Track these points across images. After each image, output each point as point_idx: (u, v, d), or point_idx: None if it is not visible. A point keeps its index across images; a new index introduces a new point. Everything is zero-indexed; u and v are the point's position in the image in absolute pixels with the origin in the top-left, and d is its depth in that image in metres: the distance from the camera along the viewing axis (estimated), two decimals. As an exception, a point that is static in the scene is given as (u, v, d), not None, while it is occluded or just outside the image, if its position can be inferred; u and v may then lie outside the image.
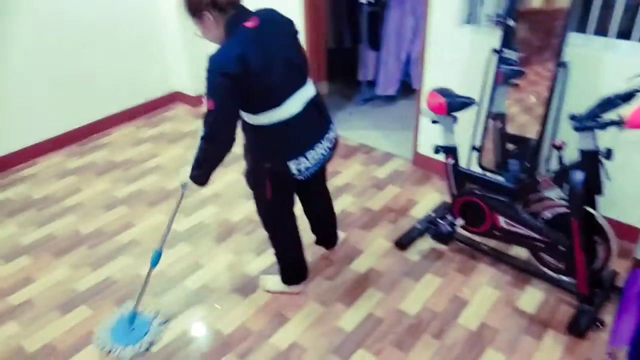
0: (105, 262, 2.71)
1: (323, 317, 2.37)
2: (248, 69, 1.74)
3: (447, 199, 3.07)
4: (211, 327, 2.32)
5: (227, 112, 1.82)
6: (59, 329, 2.32)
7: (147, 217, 3.05)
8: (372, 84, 4.38)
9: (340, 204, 3.13)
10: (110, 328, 2.26)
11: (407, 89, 4.40)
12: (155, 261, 2.23)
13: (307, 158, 2.00)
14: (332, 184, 3.32)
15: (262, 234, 2.78)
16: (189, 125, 4.10)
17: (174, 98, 4.46)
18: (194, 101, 4.35)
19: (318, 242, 2.70)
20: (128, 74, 4.04)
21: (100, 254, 2.76)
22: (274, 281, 2.48)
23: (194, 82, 4.25)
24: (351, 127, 4.02)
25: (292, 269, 2.43)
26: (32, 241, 2.87)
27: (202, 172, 1.98)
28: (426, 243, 2.79)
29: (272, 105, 1.87)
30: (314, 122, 2.03)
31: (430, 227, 2.76)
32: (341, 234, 2.77)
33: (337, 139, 2.17)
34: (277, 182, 2.07)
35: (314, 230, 2.64)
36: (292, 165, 1.98)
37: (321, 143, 2.04)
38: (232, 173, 3.41)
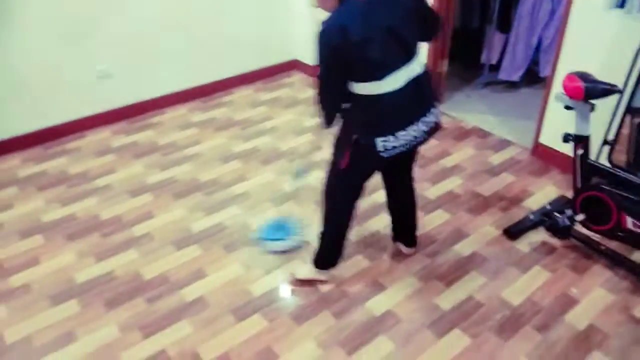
0: (218, 209, 2.87)
1: (420, 292, 2.35)
2: (348, 40, 1.72)
3: (566, 194, 2.89)
4: (314, 282, 2.38)
5: (329, 80, 1.87)
6: (173, 262, 2.52)
7: (259, 173, 3.18)
8: (495, 67, 4.18)
9: (449, 185, 3.05)
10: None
11: (532, 76, 4.15)
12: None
13: (396, 137, 1.91)
14: (441, 164, 3.24)
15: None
16: (304, 93, 4.18)
17: (293, 66, 4.57)
18: (311, 70, 4.43)
19: (395, 239, 2.56)
20: (254, 39, 4.20)
21: (214, 202, 2.93)
22: (305, 267, 2.41)
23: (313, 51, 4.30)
24: (467, 109, 3.88)
25: (329, 252, 2.34)
26: (155, 182, 3.12)
27: (322, 119, 2.04)
28: (538, 236, 2.64)
29: (373, 78, 1.82)
30: (413, 102, 1.93)
31: (546, 219, 2.61)
32: (412, 250, 2.56)
33: (437, 124, 2.04)
34: (357, 156, 1.98)
35: (394, 225, 2.51)
36: (379, 142, 1.90)
37: (416, 125, 1.93)
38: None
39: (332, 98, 1.94)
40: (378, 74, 1.82)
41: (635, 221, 2.24)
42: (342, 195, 2.19)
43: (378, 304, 2.28)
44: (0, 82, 3.18)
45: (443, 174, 3.15)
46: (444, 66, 3.81)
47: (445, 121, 3.73)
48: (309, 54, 4.36)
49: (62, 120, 3.52)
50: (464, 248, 2.59)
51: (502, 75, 4.09)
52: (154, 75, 3.81)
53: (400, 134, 1.91)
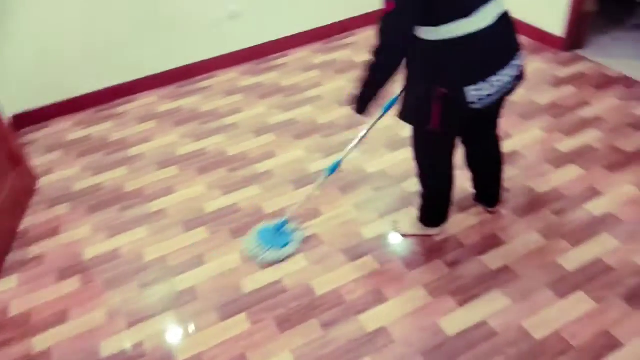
0: (336, 151, 2.91)
1: (542, 250, 2.22)
2: None
3: None
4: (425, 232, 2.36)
5: (407, 15, 1.56)
6: (291, 200, 2.63)
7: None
8: (653, 6, 3.64)
9: (585, 138, 2.79)
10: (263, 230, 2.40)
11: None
12: (332, 169, 2.28)
13: (489, 83, 1.69)
14: (578, 115, 2.96)
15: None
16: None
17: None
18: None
19: (477, 199, 2.39)
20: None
21: (333, 144, 2.97)
22: (410, 223, 2.31)
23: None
24: (612, 54, 3.45)
25: (436, 210, 2.23)
26: (277, 122, 3.23)
27: (363, 96, 1.80)
28: (688, 200, 2.35)
29: (460, 14, 1.58)
30: (504, 43, 1.72)
31: (700, 182, 2.30)
32: (496, 208, 2.37)
33: (523, 70, 1.82)
34: (446, 112, 1.74)
35: (475, 183, 2.32)
36: (471, 91, 1.68)
37: (508, 68, 1.72)
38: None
39: (404, 37, 1.60)
40: (464, 9, 1.58)
41: None
42: (439, 157, 2.02)
43: (494, 257, 2.21)
44: (135, 22, 3.41)
45: (580, 125, 2.88)
46: (592, 4, 3.39)
47: (586, 67, 3.37)
48: None
49: (195, 60, 3.73)
50: (596, 207, 2.38)
51: (662, 15, 3.55)
52: (278, 16, 3.86)
53: (493, 79, 1.69)
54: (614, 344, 1.84)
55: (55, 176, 3.00)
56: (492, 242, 2.28)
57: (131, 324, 2.12)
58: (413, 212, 2.38)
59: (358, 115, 1.91)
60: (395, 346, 1.92)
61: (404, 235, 2.35)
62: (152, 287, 2.27)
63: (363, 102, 1.83)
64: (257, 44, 3.88)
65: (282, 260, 2.29)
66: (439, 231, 2.32)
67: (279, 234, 2.36)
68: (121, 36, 3.41)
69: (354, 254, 2.30)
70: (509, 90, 1.81)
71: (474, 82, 1.68)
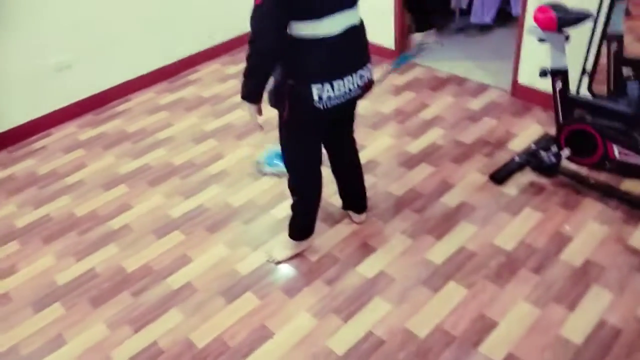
0: (196, 191, 2.77)
1: (411, 249, 2.29)
2: None
3: (550, 131, 2.82)
4: (298, 255, 2.31)
5: (272, 7, 1.67)
6: (155, 252, 2.43)
7: (235, 149, 3.07)
8: (466, 12, 4.05)
9: (430, 137, 2.97)
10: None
11: (505, 17, 4.03)
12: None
13: (332, 86, 1.82)
14: (420, 117, 3.16)
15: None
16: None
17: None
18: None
19: (345, 207, 2.46)
20: (213, 10, 4.01)
21: (193, 184, 2.83)
22: (281, 247, 2.32)
23: None
24: (442, 57, 3.77)
25: (304, 219, 2.25)
26: (129, 171, 3.00)
27: (249, 86, 1.86)
28: (525, 177, 2.58)
29: (312, 15, 1.71)
30: (351, 52, 1.85)
31: (532, 159, 2.55)
32: (363, 216, 2.45)
33: (370, 82, 1.95)
34: (296, 105, 1.87)
35: (340, 191, 2.41)
36: (315, 90, 1.80)
37: (352, 77, 1.86)
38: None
39: (274, 28, 1.71)
40: (316, 12, 1.70)
41: (621, 149, 2.18)
42: (297, 154, 2.08)
43: (370, 266, 2.23)
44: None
45: (423, 127, 3.07)
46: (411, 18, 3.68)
47: (419, 72, 3.63)
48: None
49: (21, 121, 3.37)
50: (451, 199, 2.52)
51: (474, 19, 3.97)
52: (114, 61, 3.64)
53: (337, 83, 1.82)
54: (490, 324, 1.94)
55: None
56: (365, 250, 2.30)
57: (137, 329, 2.07)
58: (284, 237, 2.32)
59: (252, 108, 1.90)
60: (288, 381, 1.83)
61: (278, 262, 2.29)
62: (145, 293, 2.21)
63: (252, 92, 1.87)
64: (93, 93, 3.62)
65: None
66: (308, 244, 2.32)
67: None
68: None
69: (232, 294, 2.18)
70: (354, 97, 1.92)
71: (318, 81, 1.80)
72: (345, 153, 2.27)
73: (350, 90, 1.87)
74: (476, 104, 3.22)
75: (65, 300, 2.25)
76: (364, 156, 2.80)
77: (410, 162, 2.80)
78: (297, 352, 1.92)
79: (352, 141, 2.26)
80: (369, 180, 2.63)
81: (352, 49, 1.86)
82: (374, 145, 2.94)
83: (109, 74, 3.66)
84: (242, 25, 4.23)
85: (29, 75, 3.27)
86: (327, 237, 2.39)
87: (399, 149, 2.91)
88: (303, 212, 2.23)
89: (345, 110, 2.04)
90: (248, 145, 3.09)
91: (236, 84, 3.77)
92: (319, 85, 1.80)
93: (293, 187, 2.17)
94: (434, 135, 2.98)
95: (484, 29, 4.08)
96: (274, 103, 1.96)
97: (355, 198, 2.42)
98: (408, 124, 3.11)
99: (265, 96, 1.91)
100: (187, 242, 2.46)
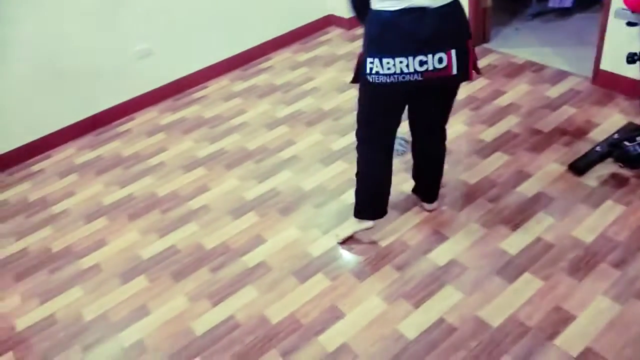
0: (269, 175, 2.86)
1: (485, 238, 2.26)
2: None
3: (635, 120, 2.68)
4: (368, 239, 2.34)
5: None
6: (231, 231, 2.54)
7: (306, 136, 3.13)
8: (544, -5, 3.89)
9: (505, 125, 2.90)
10: None
11: (585, 0, 3.83)
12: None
13: (381, 63, 1.80)
14: (495, 104, 3.08)
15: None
16: (343, 48, 4.06)
17: (329, 21, 4.43)
18: (347, 23, 4.29)
19: (414, 191, 2.45)
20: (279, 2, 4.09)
21: (267, 168, 2.92)
22: (346, 224, 2.35)
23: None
24: (517, 44, 3.65)
25: (361, 196, 2.24)
26: (206, 155, 3.14)
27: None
28: (607, 168, 2.47)
29: None
30: (409, 34, 1.76)
31: (614, 150, 2.43)
32: (434, 205, 2.42)
33: (444, 75, 1.82)
34: (359, 76, 1.95)
35: (414, 174, 2.39)
36: (368, 62, 1.84)
37: (406, 59, 1.77)
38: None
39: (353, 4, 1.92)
40: None
41: None
42: (364, 127, 2.12)
43: (441, 254, 2.22)
44: (38, 77, 3.24)
45: (498, 114, 2.99)
46: (489, 1, 3.58)
47: (494, 58, 3.53)
48: (343, 7, 4.22)
49: (109, 105, 3.59)
50: (527, 189, 2.46)
51: (553, 2, 3.80)
52: (190, 49, 3.80)
53: (386, 61, 1.80)
54: (567, 317, 1.89)
55: (80, 196, 2.88)
56: (436, 238, 2.30)
57: (215, 303, 2.12)
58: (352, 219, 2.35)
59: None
60: (359, 361, 1.88)
61: (341, 242, 2.34)
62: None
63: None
64: (173, 79, 3.80)
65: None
66: (372, 224, 2.30)
67: None
68: (25, 92, 3.22)
69: (304, 274, 2.25)
70: (415, 82, 1.82)
71: (372, 55, 1.83)
72: (427, 143, 2.24)
73: (402, 72, 1.80)
74: (555, 91, 3.10)
75: (150, 273, 2.40)
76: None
77: (484, 150, 2.75)
78: (367, 333, 1.96)
79: (437, 133, 2.21)
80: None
81: (413, 30, 1.75)
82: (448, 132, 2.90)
83: (187, 61, 3.82)
84: (310, 13, 4.29)
85: (115, 63, 3.48)
86: (397, 223, 2.40)
87: (472, 136, 2.86)
88: (360, 188, 2.24)
89: (415, 95, 1.99)
90: (318, 132, 3.14)
91: (306, 71, 3.83)
92: (372, 59, 1.83)
93: (358, 155, 2.21)
94: (510, 123, 2.91)
95: (563, 13, 3.90)
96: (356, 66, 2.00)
97: (426, 187, 2.41)
98: (482, 111, 3.05)
99: None
100: (261, 224, 2.55)
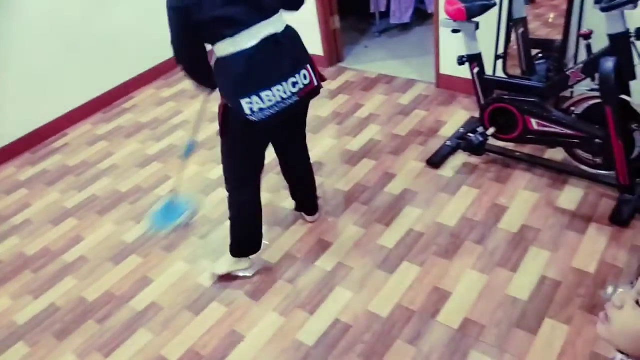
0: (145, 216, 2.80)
1: (364, 238, 2.42)
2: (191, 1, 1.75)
3: (475, 114, 3.05)
4: (259, 259, 2.38)
5: (179, 40, 1.86)
6: (114, 278, 2.43)
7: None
8: (385, 14, 4.28)
9: (368, 134, 3.13)
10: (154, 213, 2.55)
11: (421, 15, 4.29)
12: (188, 151, 2.39)
13: (261, 98, 1.83)
14: (357, 116, 3.31)
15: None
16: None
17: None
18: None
19: (297, 209, 2.55)
20: (142, 35, 4.03)
21: (145, 207, 2.84)
22: (222, 261, 2.32)
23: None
24: (369, 59, 3.97)
25: (243, 238, 2.25)
26: (76, 204, 2.97)
27: (196, 83, 2.04)
28: (458, 159, 2.78)
29: (225, 35, 1.79)
30: (275, 61, 1.85)
31: (462, 142, 2.75)
32: (316, 216, 2.54)
33: (311, 89, 1.95)
34: (231, 122, 1.94)
35: (292, 194, 2.51)
36: (244, 103, 1.83)
37: (281, 85, 1.85)
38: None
39: (187, 56, 1.91)
40: (228, 32, 1.78)
41: (538, 121, 2.40)
42: (234, 172, 2.12)
43: (328, 259, 2.33)
44: None
45: (361, 125, 3.22)
46: (336, 22, 3.85)
47: (350, 75, 3.80)
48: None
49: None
50: (394, 188, 2.68)
51: (394, 20, 4.21)
52: (46, 97, 3.59)
53: (265, 94, 1.83)
54: (444, 295, 2.08)
55: None
56: (321, 246, 2.41)
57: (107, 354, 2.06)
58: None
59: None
60: (264, 378, 1.90)
61: (217, 276, 2.31)
62: (110, 319, 2.22)
63: (200, 87, 2.06)
64: (28, 132, 3.55)
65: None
66: (249, 264, 2.29)
67: (170, 211, 2.46)
68: None
69: (198, 307, 2.23)
70: (293, 105, 1.92)
71: (247, 95, 1.83)
72: (296, 156, 2.36)
73: (283, 98, 1.87)
74: (406, 98, 3.42)
75: (28, 339, 2.21)
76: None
77: (352, 159, 2.94)
78: (269, 350, 1.99)
79: (303, 145, 2.35)
80: (316, 180, 2.76)
81: (276, 57, 1.85)
82: (317, 148, 3.07)
83: (43, 110, 3.60)
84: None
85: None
86: (284, 239, 2.48)
87: (341, 148, 3.05)
88: (239, 228, 2.22)
89: (289, 118, 2.03)
90: (194, 164, 3.13)
91: (174, 106, 3.81)
92: (247, 99, 1.82)
93: (230, 202, 2.20)
94: (372, 132, 3.14)
95: (403, 28, 4.33)
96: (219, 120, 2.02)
97: (307, 200, 2.52)
98: (346, 124, 3.26)
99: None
100: (146, 264, 2.48)
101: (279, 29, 1.87)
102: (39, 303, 2.38)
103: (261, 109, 1.85)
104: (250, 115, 1.85)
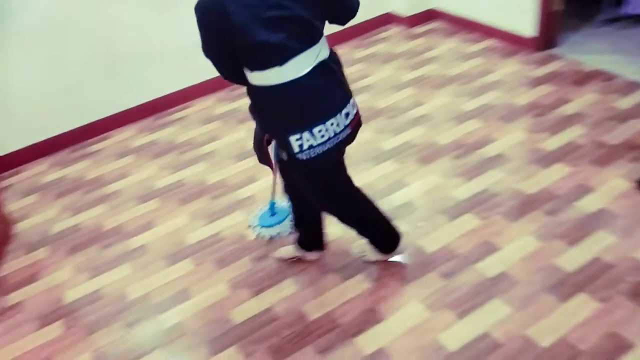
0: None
1: (538, 253, 2.15)
2: (229, 21, 1.47)
3: None
4: (413, 243, 2.28)
5: (212, 56, 1.63)
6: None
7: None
8: (619, 2, 3.66)
9: (569, 135, 2.75)
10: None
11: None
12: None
13: (312, 134, 1.60)
14: (558, 112, 2.93)
15: (470, 160, 2.62)
16: (402, 46, 3.98)
17: (388, 19, 4.35)
18: (407, 22, 4.20)
19: (300, 242, 2.23)
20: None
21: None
22: (373, 251, 2.17)
23: (408, 2, 4.10)
24: (587, 50, 3.46)
25: (381, 230, 2.09)
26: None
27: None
28: (679, 188, 2.30)
29: (272, 63, 1.53)
30: (328, 91, 1.63)
31: (689, 169, 2.26)
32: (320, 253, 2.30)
33: (358, 118, 1.74)
34: (282, 159, 1.73)
35: (298, 224, 2.18)
36: (294, 141, 1.61)
37: (335, 118, 1.63)
38: (442, 96, 3.24)
39: (222, 69, 1.68)
40: (276, 58, 1.53)
41: None
42: (346, 186, 1.93)
43: (491, 265, 2.13)
44: (99, 58, 3.32)
45: (562, 123, 2.85)
46: (559, 3, 3.40)
47: (561, 65, 3.36)
48: (404, 5, 4.14)
49: (166, 92, 3.64)
50: (589, 204, 2.32)
51: (628, 9, 3.58)
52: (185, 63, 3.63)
53: (317, 129, 1.60)
54: (624, 345, 1.76)
55: (32, 220, 2.87)
56: (487, 248, 2.20)
57: (255, 294, 2.11)
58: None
59: None
60: (395, 368, 1.83)
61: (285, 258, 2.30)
62: (137, 326, 2.15)
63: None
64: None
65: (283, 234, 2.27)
66: (318, 255, 2.26)
67: (273, 216, 2.30)
68: (86, 76, 3.32)
69: (346, 273, 2.21)
70: (343, 141, 1.70)
71: (297, 131, 1.61)
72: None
73: (336, 133, 1.65)
74: (625, 102, 2.92)
75: (195, 258, 2.42)
76: (493, 149, 2.71)
77: (544, 160, 2.62)
78: (405, 340, 1.90)
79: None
80: (495, 175, 2.55)
81: (330, 85, 1.63)
82: (504, 138, 2.80)
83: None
84: (370, 10, 4.21)
85: (176, 50, 3.52)
86: (446, 229, 2.32)
87: (532, 144, 2.73)
88: (381, 224, 2.06)
89: (336, 158, 1.81)
90: (369, 130, 3.07)
91: (363, 67, 3.78)
92: (298, 135, 1.61)
93: (347, 220, 2.01)
94: (573, 134, 2.76)
95: (637, 21, 3.67)
96: (260, 159, 1.87)
97: (320, 237, 2.22)
98: (544, 119, 2.91)
99: None
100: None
101: (326, 54, 1.63)
102: (209, 229, 2.58)
103: (311, 146, 1.63)
104: (299, 153, 1.64)
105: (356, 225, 2.04)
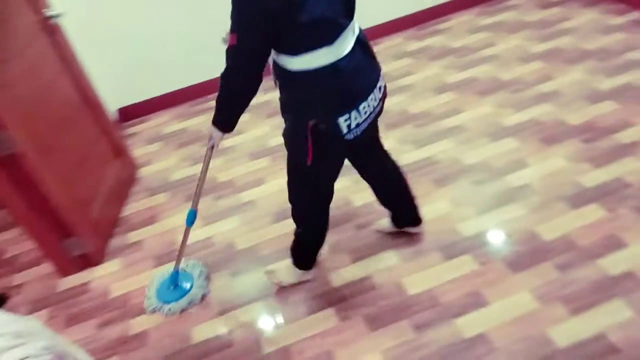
0: (527, 105, 2.82)
1: (676, 253, 1.92)
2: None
3: None
4: (527, 229, 2.14)
5: (254, 52, 1.45)
6: (490, 151, 2.58)
7: (476, 107, 2.93)
8: None
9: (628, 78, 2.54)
10: (155, 288, 2.26)
11: None
12: (190, 220, 2.08)
13: (359, 111, 1.56)
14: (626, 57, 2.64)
15: (602, 145, 2.40)
16: (533, 15, 3.67)
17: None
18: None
19: (394, 220, 2.19)
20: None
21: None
22: (286, 271, 2.15)
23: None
24: None
25: (309, 251, 2.09)
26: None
27: (223, 117, 1.65)
28: None
29: (322, 42, 1.44)
30: (367, 67, 1.58)
31: None
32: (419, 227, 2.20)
33: (385, 89, 1.68)
34: (321, 145, 1.61)
35: (385, 203, 2.14)
36: (342, 121, 1.55)
37: (373, 93, 1.60)
38: (577, 72, 2.96)
39: (251, 75, 1.49)
40: (326, 37, 1.44)
41: None
42: (315, 195, 1.89)
43: (616, 262, 1.94)
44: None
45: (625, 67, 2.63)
46: None
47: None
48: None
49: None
50: None
51: None
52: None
53: (362, 106, 1.57)
54: None
55: (154, 166, 3.10)
56: (613, 243, 2.01)
57: (222, 312, 2.12)
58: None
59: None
60: (496, 355, 1.75)
61: (281, 285, 2.17)
62: (242, 276, 2.26)
63: (227, 122, 1.68)
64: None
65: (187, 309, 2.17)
66: (312, 275, 2.16)
67: (173, 288, 2.22)
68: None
69: (450, 252, 2.14)
70: (377, 113, 1.69)
71: (346, 112, 1.55)
72: (383, 167, 2.03)
73: (374, 107, 1.64)
74: None
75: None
76: (629, 135, 2.44)
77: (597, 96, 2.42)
78: (510, 329, 1.81)
79: (386, 154, 2.01)
80: (630, 164, 2.30)
81: (367, 62, 1.60)
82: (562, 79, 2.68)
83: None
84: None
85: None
86: (567, 218, 2.15)
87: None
88: (310, 242, 2.07)
89: (371, 129, 1.72)
90: (489, 104, 2.90)
91: (488, 36, 3.55)
92: (346, 116, 1.55)
93: (301, 222, 2.00)
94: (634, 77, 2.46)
95: None
96: (290, 148, 1.75)
97: (408, 211, 2.15)
98: (607, 63, 2.67)
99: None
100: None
101: (357, 28, 1.57)
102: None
103: (358, 125, 1.59)
104: (348, 133, 1.58)
105: (303, 222, 2.00)
